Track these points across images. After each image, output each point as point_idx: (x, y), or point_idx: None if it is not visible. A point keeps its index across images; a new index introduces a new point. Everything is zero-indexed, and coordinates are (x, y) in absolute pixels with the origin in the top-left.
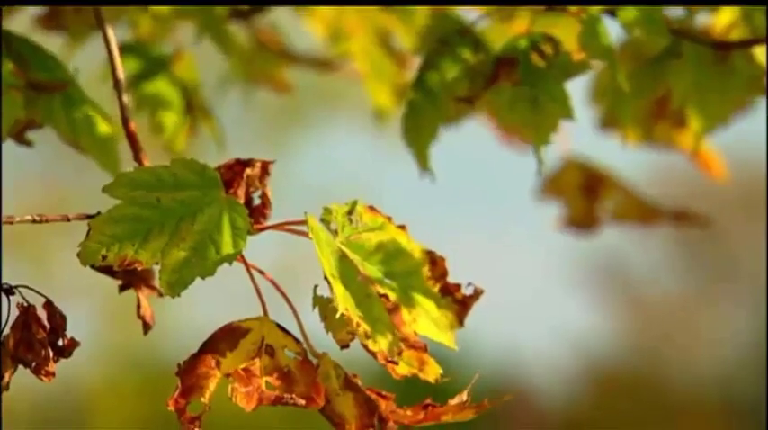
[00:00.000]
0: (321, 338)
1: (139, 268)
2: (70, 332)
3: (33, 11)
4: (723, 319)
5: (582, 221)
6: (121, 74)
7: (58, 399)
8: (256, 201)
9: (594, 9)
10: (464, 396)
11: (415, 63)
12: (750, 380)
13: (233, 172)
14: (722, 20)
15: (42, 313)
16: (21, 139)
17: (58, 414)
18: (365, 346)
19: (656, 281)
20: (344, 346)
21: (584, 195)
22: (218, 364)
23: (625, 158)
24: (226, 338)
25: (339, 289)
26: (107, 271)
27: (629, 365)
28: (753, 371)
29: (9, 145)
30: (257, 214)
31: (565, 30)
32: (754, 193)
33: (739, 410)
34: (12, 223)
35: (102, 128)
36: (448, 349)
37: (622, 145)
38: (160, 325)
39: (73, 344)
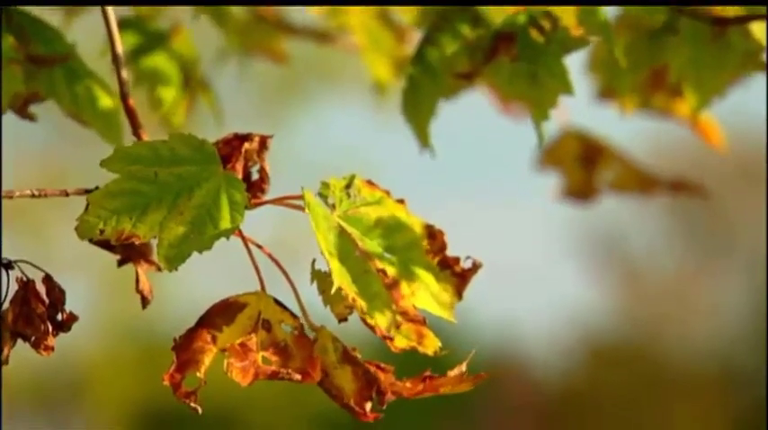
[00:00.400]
0: (319, 312)
1: (137, 242)
2: (69, 306)
3: None
4: (720, 291)
5: (580, 192)
6: (120, 49)
7: (57, 372)
8: (254, 176)
9: None
10: (462, 368)
11: (414, 37)
12: (748, 351)
13: (231, 147)
14: None
15: (41, 288)
16: (23, 113)
17: (57, 386)
18: (363, 320)
19: (653, 253)
20: (342, 320)
21: (583, 166)
22: (214, 339)
23: (623, 129)
24: (222, 313)
25: (335, 264)
26: (105, 245)
27: (625, 337)
28: (750, 343)
29: (8, 119)
30: (255, 189)
31: (563, 5)
32: (750, 164)
33: (737, 382)
34: (11, 197)
35: (105, 101)
36: (446, 322)
37: (620, 115)
38: (158, 299)
39: (72, 318)
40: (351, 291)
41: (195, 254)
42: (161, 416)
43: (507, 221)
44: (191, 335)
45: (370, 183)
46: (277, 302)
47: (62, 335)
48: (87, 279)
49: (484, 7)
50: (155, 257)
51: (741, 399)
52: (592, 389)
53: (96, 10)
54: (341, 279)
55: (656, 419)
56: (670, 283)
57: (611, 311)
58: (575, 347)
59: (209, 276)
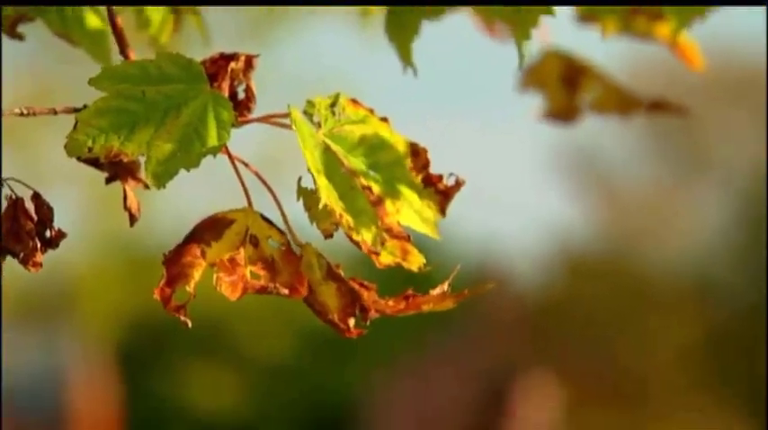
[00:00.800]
0: (305, 229)
1: (125, 160)
2: (59, 223)
3: None
4: (697, 207)
5: (562, 112)
6: None
7: (48, 285)
8: (241, 95)
9: None
10: (445, 286)
11: None
12: (723, 264)
13: (217, 66)
14: None
15: (30, 205)
16: (12, 34)
17: (46, 300)
18: (349, 237)
19: (631, 170)
20: (328, 236)
21: (565, 86)
22: (203, 254)
23: (604, 50)
24: (211, 229)
25: (322, 181)
26: (93, 163)
27: (604, 252)
28: (726, 256)
29: None
30: (241, 107)
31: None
32: (726, 83)
33: (712, 293)
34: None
35: (93, 21)
36: (429, 238)
37: (601, 37)
38: (146, 214)
39: (60, 235)
40: (337, 207)
41: (183, 171)
42: (150, 328)
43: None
44: (180, 250)
45: (354, 101)
46: (264, 218)
47: (52, 250)
48: (77, 195)
49: None
50: (142, 175)
51: (716, 310)
52: (571, 302)
53: None
54: (328, 195)
55: (633, 329)
56: (648, 199)
57: (591, 227)
58: (554, 262)
59: (196, 193)
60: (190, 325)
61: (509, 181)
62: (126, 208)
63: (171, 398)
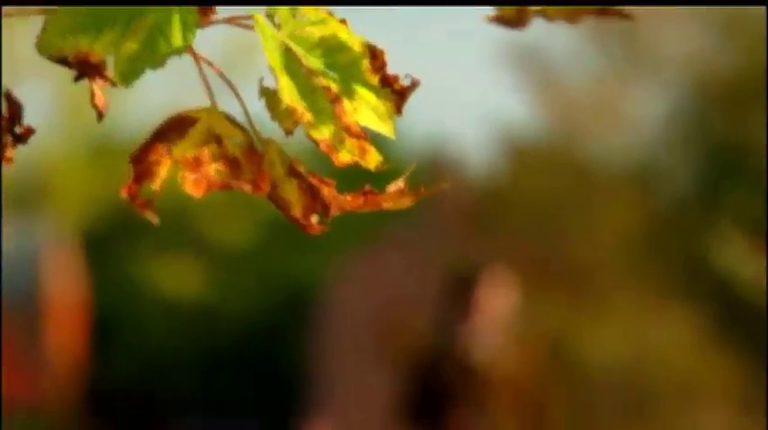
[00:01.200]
0: (267, 128)
1: (93, 60)
2: (32, 118)
3: None
4: (638, 100)
5: (512, 19)
6: None
7: (18, 179)
8: None
9: None
10: (401, 184)
11: None
12: (663, 154)
13: None
14: None
15: (2, 102)
16: None
17: (17, 192)
18: (309, 135)
19: (575, 66)
20: (289, 134)
21: None
22: (168, 152)
23: None
24: (175, 127)
25: (284, 80)
26: (63, 61)
27: (549, 144)
28: (665, 147)
29: None
30: (205, 8)
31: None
32: None
33: (653, 182)
34: None
35: None
36: (385, 137)
37: None
38: (115, 110)
39: (29, 131)
40: (298, 106)
41: (149, 70)
42: (118, 216)
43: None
44: (146, 148)
45: (314, 4)
46: (227, 117)
47: (22, 145)
48: (51, 90)
49: None
50: (110, 73)
51: (657, 198)
52: (518, 193)
53: None
54: (289, 95)
55: (577, 218)
56: (591, 94)
57: (537, 120)
58: (502, 155)
59: (162, 92)
60: (157, 221)
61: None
62: (93, 105)
63: (137, 283)
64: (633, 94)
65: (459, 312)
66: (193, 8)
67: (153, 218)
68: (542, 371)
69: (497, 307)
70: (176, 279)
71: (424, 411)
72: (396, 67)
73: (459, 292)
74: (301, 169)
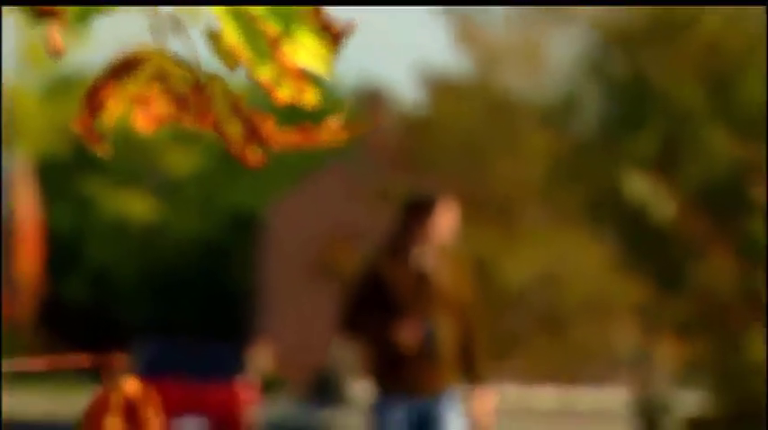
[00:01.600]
0: (212, 67)
1: (51, 7)
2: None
3: None
4: (554, 43)
5: None
6: None
7: None
8: None
9: None
10: (336, 120)
11: None
12: (577, 93)
13: None
14: None
15: None
16: None
17: None
18: (251, 75)
19: (497, 10)
20: (232, 72)
21: None
22: (119, 89)
23: None
24: (126, 66)
25: (228, 24)
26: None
27: (471, 82)
28: (579, 86)
29: None
30: None
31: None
32: None
33: (568, 120)
34: None
35: None
36: (323, 78)
37: None
38: (72, 53)
39: None
40: (241, 47)
41: (102, 17)
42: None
43: None
44: (98, 85)
45: None
46: (175, 57)
47: None
48: (12, 33)
49: None
50: (66, 17)
51: (572, 132)
52: (442, 126)
53: None
54: (233, 37)
55: (501, 144)
56: (511, 36)
57: (461, 60)
58: (429, 92)
59: (115, 31)
60: (108, 153)
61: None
62: (49, 46)
63: (92, 209)
64: (549, 39)
65: (413, 234)
66: None
67: (104, 150)
68: (471, 287)
69: (444, 232)
70: (129, 205)
71: (369, 320)
72: (332, 12)
73: (415, 218)
74: (243, 106)
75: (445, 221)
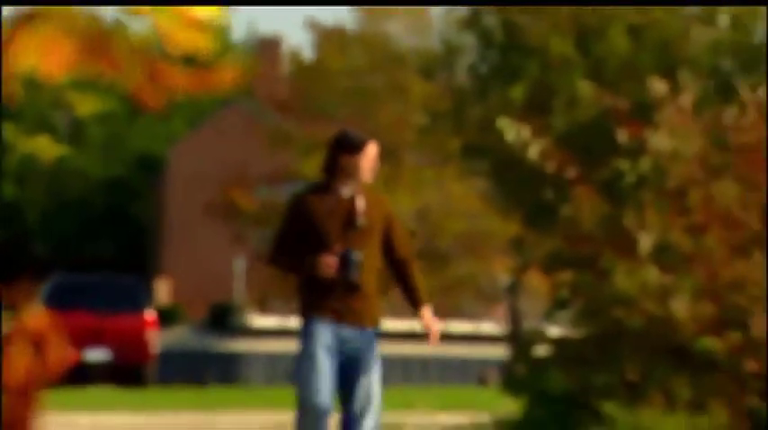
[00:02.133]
0: (114, 15)
1: None
2: None
3: None
4: None
5: None
6: None
7: None
8: None
9: None
10: (231, 66)
11: None
12: (459, 45)
13: None
14: None
15: None
16: None
17: None
18: (152, 24)
19: None
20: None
21: None
22: (26, 39)
23: None
24: (35, 15)
25: None
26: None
27: (359, 33)
28: (461, 40)
29: None
30: None
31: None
32: None
33: (458, 64)
34: None
35: None
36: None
37: None
38: None
39: None
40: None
41: None
42: None
43: None
44: (9, 35)
45: None
46: (83, 7)
47: None
48: None
49: None
50: None
51: (452, 82)
52: (332, 69)
53: None
54: None
55: (386, 91)
56: None
57: (349, 11)
58: (319, 43)
59: None
60: (16, 99)
61: None
62: None
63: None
64: None
65: (342, 170)
66: None
67: (11, 98)
68: (397, 219)
69: (368, 170)
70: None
71: (293, 250)
72: None
73: (345, 155)
74: (146, 53)
75: (370, 161)
